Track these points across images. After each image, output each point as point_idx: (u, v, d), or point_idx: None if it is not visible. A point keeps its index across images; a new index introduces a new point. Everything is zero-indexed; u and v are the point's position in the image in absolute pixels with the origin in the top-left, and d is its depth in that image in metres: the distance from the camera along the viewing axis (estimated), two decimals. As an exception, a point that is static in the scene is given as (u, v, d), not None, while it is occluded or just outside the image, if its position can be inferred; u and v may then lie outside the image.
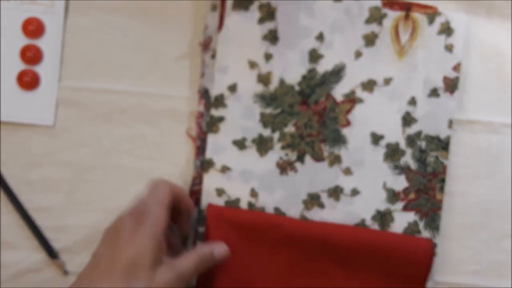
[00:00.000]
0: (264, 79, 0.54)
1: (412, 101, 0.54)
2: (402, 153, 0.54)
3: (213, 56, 0.54)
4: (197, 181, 0.54)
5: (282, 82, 0.54)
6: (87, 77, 0.56)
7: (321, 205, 0.54)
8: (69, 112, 0.56)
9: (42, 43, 0.56)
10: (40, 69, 0.56)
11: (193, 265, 0.47)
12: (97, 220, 0.55)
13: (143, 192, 0.48)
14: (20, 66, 0.55)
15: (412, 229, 0.53)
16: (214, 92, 0.54)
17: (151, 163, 0.56)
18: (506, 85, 0.55)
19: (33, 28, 0.55)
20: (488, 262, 0.55)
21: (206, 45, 0.54)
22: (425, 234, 0.54)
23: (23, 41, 0.55)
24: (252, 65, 0.54)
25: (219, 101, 0.54)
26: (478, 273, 0.55)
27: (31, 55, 0.55)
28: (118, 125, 0.56)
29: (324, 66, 0.54)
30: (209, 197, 0.53)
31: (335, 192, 0.54)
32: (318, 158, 0.54)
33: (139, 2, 0.56)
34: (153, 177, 0.50)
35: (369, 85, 0.54)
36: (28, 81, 0.55)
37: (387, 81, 0.54)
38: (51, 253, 0.55)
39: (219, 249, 0.51)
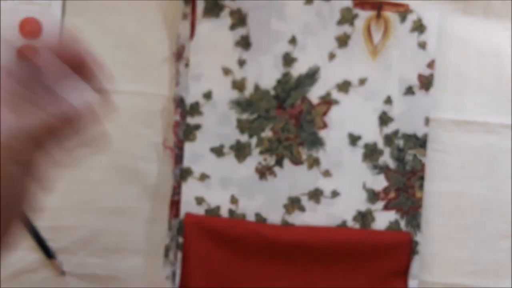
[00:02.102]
0: (239, 85, 0.54)
1: (388, 100, 0.54)
2: (380, 152, 0.54)
3: (187, 65, 0.54)
4: (177, 190, 0.55)
5: (257, 87, 0.54)
6: None
7: (302, 209, 0.54)
8: None
9: (39, 43, 0.56)
10: None
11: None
12: (94, 221, 0.56)
13: None
14: None
15: (393, 228, 0.54)
16: (189, 100, 0.54)
17: (148, 164, 0.56)
18: (503, 86, 0.55)
19: (30, 28, 0.55)
20: (485, 263, 0.55)
21: (179, 54, 0.54)
22: (406, 232, 0.54)
23: (21, 41, 0.55)
24: (226, 71, 0.54)
25: (195, 109, 0.54)
26: (476, 273, 0.55)
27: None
28: (114, 125, 0.55)
29: (298, 70, 0.54)
30: (188, 206, 0.54)
31: (315, 195, 0.54)
32: (296, 161, 0.54)
33: (135, 2, 0.56)
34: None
35: (344, 86, 0.54)
36: None
37: (362, 82, 0.54)
38: (48, 253, 0.56)
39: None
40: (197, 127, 0.54)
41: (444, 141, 0.55)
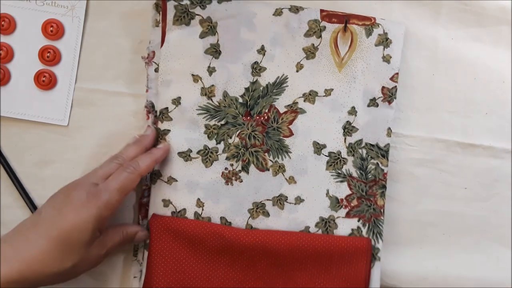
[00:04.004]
0: (207, 92, 0.55)
1: (353, 111, 0.55)
2: (344, 161, 0.56)
3: (156, 70, 0.55)
4: (146, 193, 0.56)
5: (225, 94, 0.55)
6: (102, 79, 0.58)
7: (266, 214, 0.56)
8: (83, 112, 0.58)
9: (60, 44, 0.58)
10: (58, 70, 0.58)
11: (117, 242, 0.52)
12: None
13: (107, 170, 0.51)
14: (38, 66, 0.57)
15: (355, 235, 0.55)
16: (159, 106, 0.55)
17: None
18: (508, 112, 0.57)
19: (52, 29, 0.57)
20: (485, 280, 0.57)
21: (150, 59, 0.56)
22: (366, 240, 0.55)
23: (43, 42, 0.57)
24: (196, 78, 0.55)
25: (164, 114, 0.55)
26: None
27: (50, 56, 0.57)
28: (130, 127, 0.57)
29: (266, 79, 0.56)
30: (156, 208, 0.55)
31: (280, 201, 0.56)
32: (262, 168, 0.56)
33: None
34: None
35: (310, 96, 0.56)
36: (45, 81, 0.57)
37: (328, 92, 0.55)
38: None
39: (141, 234, 0.54)
40: (167, 132, 0.55)
41: (449, 162, 0.57)
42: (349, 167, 0.56)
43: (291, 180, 0.56)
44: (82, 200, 0.48)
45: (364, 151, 0.55)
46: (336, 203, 0.55)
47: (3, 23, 0.56)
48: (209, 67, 0.55)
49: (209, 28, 0.55)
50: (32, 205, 0.57)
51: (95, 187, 0.49)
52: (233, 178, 0.56)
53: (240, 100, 0.55)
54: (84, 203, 0.47)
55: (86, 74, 0.58)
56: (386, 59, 0.55)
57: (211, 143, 0.56)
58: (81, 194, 0.48)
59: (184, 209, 0.55)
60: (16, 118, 0.57)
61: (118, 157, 0.52)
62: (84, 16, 0.57)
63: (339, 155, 0.56)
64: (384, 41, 0.54)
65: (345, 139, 0.56)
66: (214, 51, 0.55)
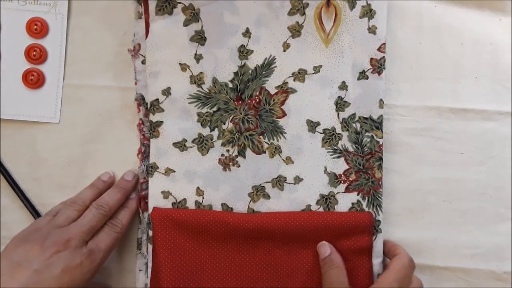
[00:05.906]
0: (197, 80, 0.55)
1: (343, 86, 0.55)
2: (339, 136, 0.56)
3: (143, 62, 0.55)
4: (144, 186, 0.56)
5: (215, 81, 0.55)
6: (90, 74, 0.58)
7: (267, 196, 0.56)
8: (74, 109, 0.58)
9: (46, 42, 0.57)
10: (45, 68, 0.58)
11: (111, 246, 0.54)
12: None
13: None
14: (26, 65, 0.57)
15: (356, 209, 0.55)
16: (149, 98, 0.55)
17: None
18: (499, 74, 0.57)
19: (37, 28, 0.57)
20: (486, 246, 0.57)
21: (136, 52, 0.55)
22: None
23: (28, 41, 0.57)
24: (184, 67, 0.55)
25: (155, 106, 0.55)
26: (477, 256, 0.57)
27: (36, 55, 0.57)
28: (122, 121, 0.57)
29: (254, 61, 0.55)
30: (156, 200, 0.55)
31: (279, 182, 0.56)
32: (258, 151, 0.56)
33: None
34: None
35: (300, 75, 0.55)
36: (34, 80, 0.57)
37: (317, 69, 0.55)
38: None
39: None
40: (160, 123, 0.55)
41: (443, 129, 0.57)
42: (345, 142, 0.56)
43: (288, 160, 0.56)
44: (76, 262, 0.49)
45: (358, 125, 0.55)
46: (334, 179, 0.55)
47: (-14, 25, 0.56)
48: (195, 54, 0.55)
49: (192, 15, 0.54)
50: (30, 206, 0.57)
51: (86, 248, 0.50)
52: (231, 163, 0.55)
53: (230, 85, 0.55)
54: (78, 266, 0.49)
55: (73, 70, 0.57)
56: (372, 30, 0.54)
57: (205, 131, 0.55)
58: (75, 257, 0.49)
59: (185, 199, 0.55)
60: (7, 119, 0.57)
61: (103, 206, 0.53)
62: (67, 12, 0.57)
63: (333, 131, 0.55)
64: (368, 12, 0.54)
65: (338, 114, 0.56)
66: (199, 38, 0.55)
